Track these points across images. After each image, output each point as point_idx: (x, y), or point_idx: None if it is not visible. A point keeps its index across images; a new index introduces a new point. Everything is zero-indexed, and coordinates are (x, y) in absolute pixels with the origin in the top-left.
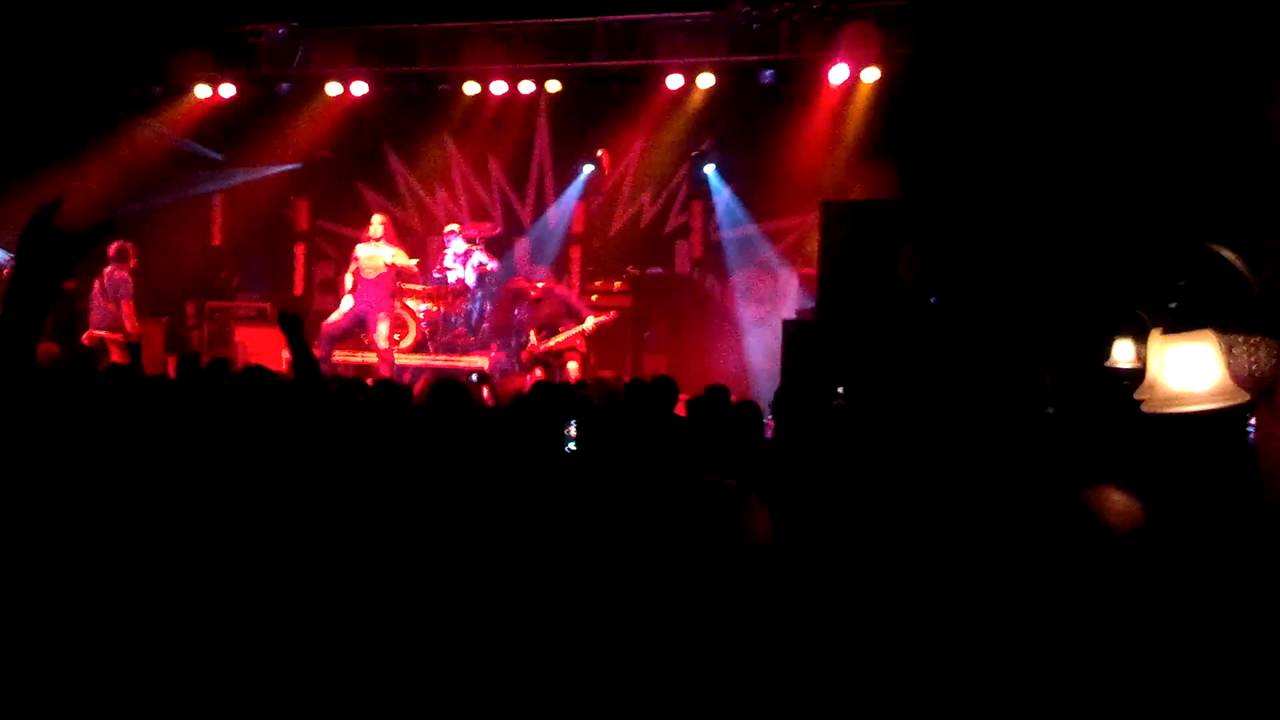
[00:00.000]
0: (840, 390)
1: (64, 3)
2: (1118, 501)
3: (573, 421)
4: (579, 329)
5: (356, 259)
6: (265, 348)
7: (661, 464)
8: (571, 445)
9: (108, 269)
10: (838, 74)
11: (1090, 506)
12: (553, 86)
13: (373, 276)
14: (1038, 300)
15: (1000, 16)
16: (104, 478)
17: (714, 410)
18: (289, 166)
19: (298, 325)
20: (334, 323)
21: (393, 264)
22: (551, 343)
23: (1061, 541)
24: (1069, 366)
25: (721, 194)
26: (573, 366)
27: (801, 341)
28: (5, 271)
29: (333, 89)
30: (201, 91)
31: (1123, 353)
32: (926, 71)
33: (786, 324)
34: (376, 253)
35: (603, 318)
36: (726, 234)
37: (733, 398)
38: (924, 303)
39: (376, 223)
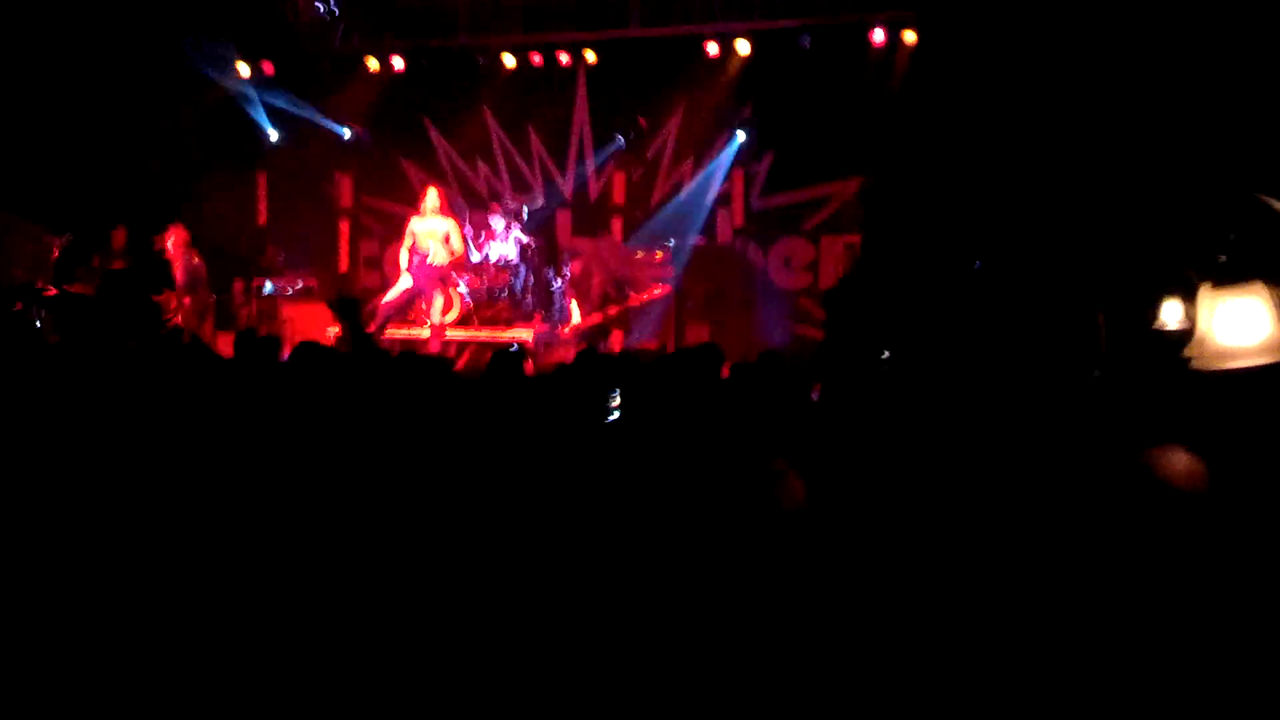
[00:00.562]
0: (886, 354)
1: None
2: (1181, 461)
3: (616, 391)
4: (624, 306)
5: (413, 234)
6: (312, 324)
7: (705, 433)
8: (615, 415)
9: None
10: (878, 38)
11: (1153, 467)
12: (590, 57)
13: (429, 250)
14: (1084, 262)
15: None
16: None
17: (762, 376)
18: (341, 130)
19: (355, 308)
20: (392, 300)
21: (448, 237)
22: (594, 316)
23: (1124, 503)
24: (1117, 329)
25: (723, 163)
26: (616, 336)
27: (845, 305)
28: (56, 252)
29: (371, 64)
30: (242, 69)
31: (1171, 313)
32: (962, 31)
33: (829, 289)
34: (433, 227)
35: (653, 294)
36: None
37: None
38: (968, 267)
39: (432, 195)
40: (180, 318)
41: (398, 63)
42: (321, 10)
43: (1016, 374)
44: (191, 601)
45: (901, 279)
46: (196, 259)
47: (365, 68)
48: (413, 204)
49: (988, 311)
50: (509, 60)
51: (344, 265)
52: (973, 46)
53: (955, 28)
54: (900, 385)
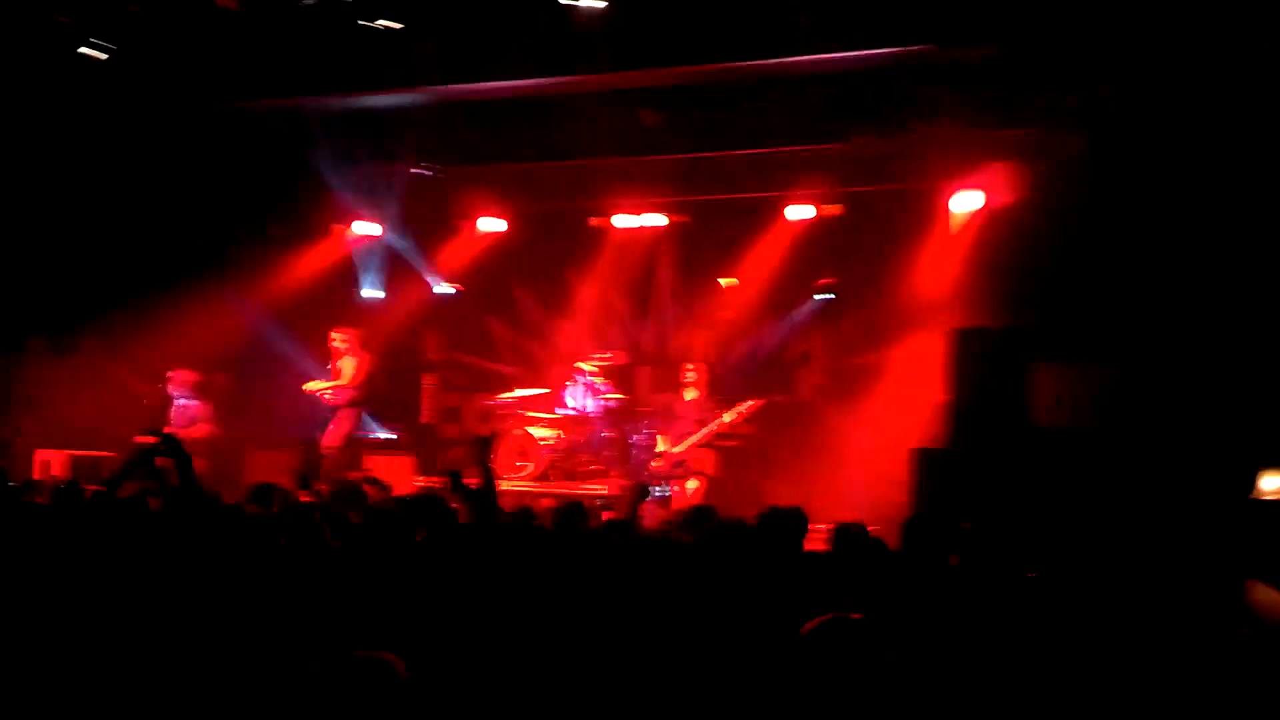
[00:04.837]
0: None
1: (209, 145)
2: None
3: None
4: (717, 422)
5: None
6: (394, 476)
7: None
8: None
9: None
10: (963, 201)
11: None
12: (677, 219)
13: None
14: (1181, 432)
15: (1147, 135)
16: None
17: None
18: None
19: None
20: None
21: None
22: (687, 444)
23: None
24: (1217, 499)
25: None
26: (691, 485)
27: (933, 472)
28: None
29: (477, 222)
30: (343, 231)
31: (1272, 484)
32: (1061, 197)
33: (918, 452)
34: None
35: (744, 406)
36: None
37: (870, 529)
38: (1059, 433)
39: (339, 339)
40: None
41: (493, 224)
42: (426, 175)
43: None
44: None
45: (989, 443)
46: None
47: (463, 228)
48: (498, 358)
49: (1079, 478)
50: (598, 222)
51: (427, 417)
52: (1071, 210)
53: (1054, 192)
54: (987, 551)
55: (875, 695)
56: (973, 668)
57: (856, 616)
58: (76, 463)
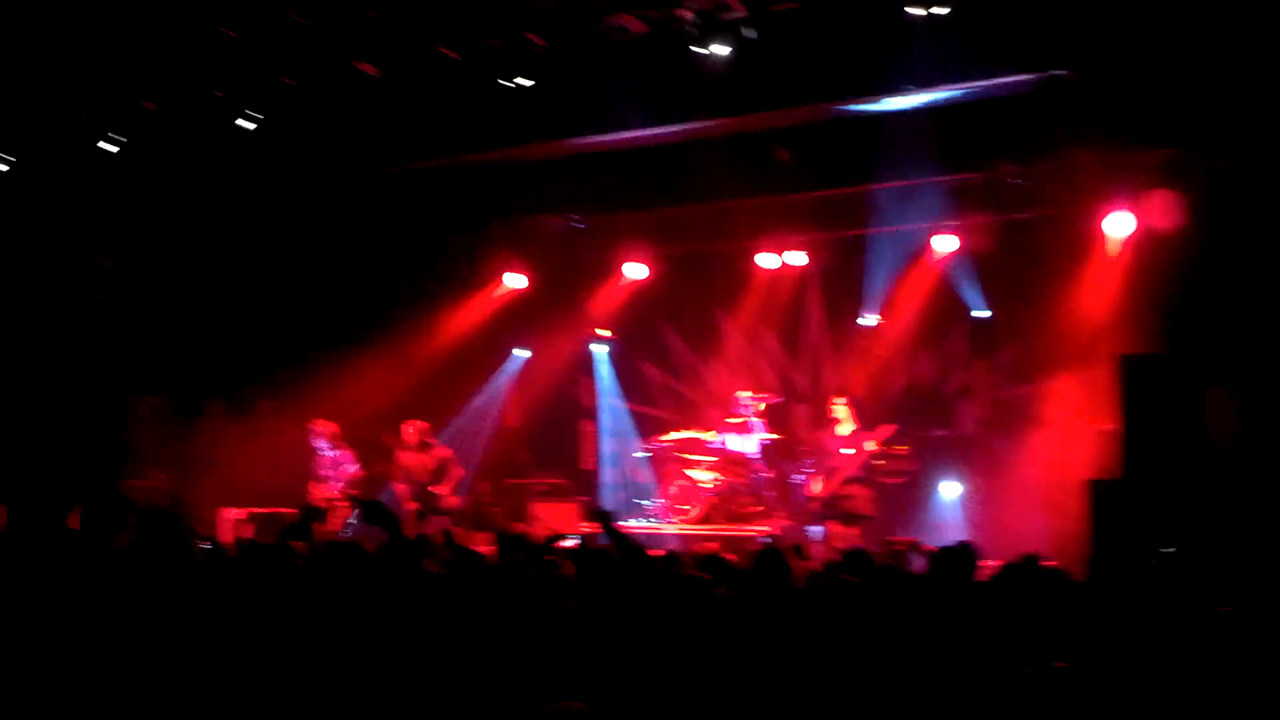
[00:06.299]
0: (1160, 552)
1: (365, 208)
2: None
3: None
4: (862, 453)
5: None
6: (561, 521)
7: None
8: None
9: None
10: (1117, 225)
11: None
12: (821, 256)
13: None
14: None
15: None
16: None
17: (1024, 580)
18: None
19: (608, 518)
20: None
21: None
22: (839, 480)
23: None
24: None
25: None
26: (849, 523)
27: (1110, 502)
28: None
29: (624, 269)
30: (498, 282)
31: None
32: (1227, 221)
33: (1093, 484)
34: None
35: (883, 434)
36: None
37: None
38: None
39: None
40: None
41: (638, 270)
42: (573, 224)
43: None
44: None
45: (1167, 472)
46: None
47: (612, 274)
48: (652, 403)
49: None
50: (746, 261)
51: (589, 463)
52: (1240, 232)
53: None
54: (1181, 586)
55: None
56: (1169, 709)
57: (1061, 666)
58: (257, 520)
